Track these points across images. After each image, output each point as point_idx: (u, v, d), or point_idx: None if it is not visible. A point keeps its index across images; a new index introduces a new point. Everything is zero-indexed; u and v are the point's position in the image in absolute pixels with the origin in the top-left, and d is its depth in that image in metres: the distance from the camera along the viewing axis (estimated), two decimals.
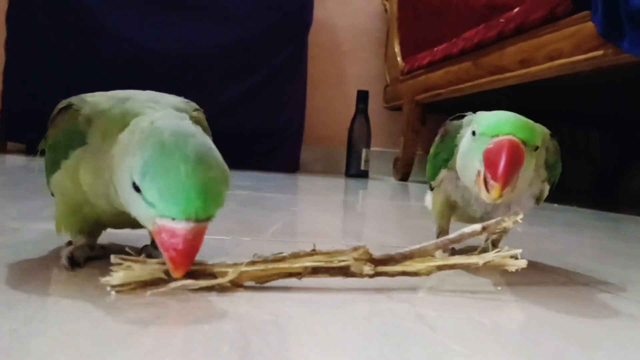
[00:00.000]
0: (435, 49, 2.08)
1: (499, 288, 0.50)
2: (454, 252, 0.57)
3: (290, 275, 0.42)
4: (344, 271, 0.43)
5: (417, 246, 0.45)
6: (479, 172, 0.49)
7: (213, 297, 0.39)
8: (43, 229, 0.59)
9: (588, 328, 0.40)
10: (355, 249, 0.43)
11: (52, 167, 0.46)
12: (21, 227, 0.61)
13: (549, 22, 1.42)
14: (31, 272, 0.43)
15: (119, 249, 0.53)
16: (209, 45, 2.22)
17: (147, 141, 0.35)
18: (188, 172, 0.34)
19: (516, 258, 0.46)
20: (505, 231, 0.59)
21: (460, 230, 0.46)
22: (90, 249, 0.48)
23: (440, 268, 0.45)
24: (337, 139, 2.59)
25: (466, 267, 0.47)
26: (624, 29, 1.14)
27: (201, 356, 0.28)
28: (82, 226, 0.48)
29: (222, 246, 0.58)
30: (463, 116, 0.59)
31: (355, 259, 0.43)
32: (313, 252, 0.43)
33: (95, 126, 0.43)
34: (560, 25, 1.38)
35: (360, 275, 0.43)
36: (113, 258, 0.38)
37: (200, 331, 0.32)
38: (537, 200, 0.59)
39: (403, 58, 2.43)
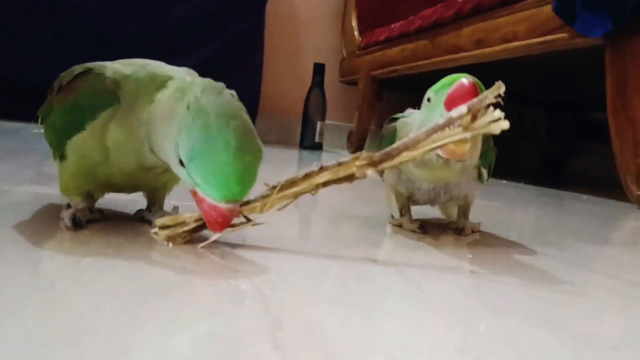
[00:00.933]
0: (393, 25, 2.11)
1: (470, 256, 0.54)
2: (424, 231, 0.61)
3: (305, 193, 0.47)
4: (350, 178, 0.46)
5: (409, 138, 0.47)
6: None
7: (220, 257, 0.42)
8: (32, 192, 0.61)
9: (555, 291, 0.44)
10: (356, 157, 0.47)
11: (70, 130, 0.47)
12: (11, 190, 0.62)
13: (505, 4, 1.47)
14: (41, 232, 0.45)
15: (115, 214, 0.55)
16: (166, 15, 2.20)
17: (194, 123, 0.39)
18: (229, 160, 0.39)
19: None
20: (470, 202, 0.64)
21: (447, 114, 0.46)
22: (90, 211, 0.50)
23: (433, 149, 0.46)
24: (293, 111, 2.61)
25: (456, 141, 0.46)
26: (576, 11, 1.20)
27: (230, 307, 0.31)
28: (89, 189, 0.50)
29: None
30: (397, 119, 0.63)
31: (358, 166, 0.46)
32: (321, 170, 0.47)
33: (126, 87, 0.46)
34: (516, 8, 1.44)
35: (365, 177, 0.46)
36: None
37: (221, 287, 0.35)
38: (482, 180, 0.62)
39: (360, 33, 2.46)
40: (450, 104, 0.49)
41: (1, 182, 0.67)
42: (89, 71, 0.47)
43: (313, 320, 0.31)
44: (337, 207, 0.77)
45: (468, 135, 0.45)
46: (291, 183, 0.47)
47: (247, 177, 0.40)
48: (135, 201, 0.58)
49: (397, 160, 0.46)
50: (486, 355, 0.28)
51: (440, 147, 0.46)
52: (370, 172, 0.46)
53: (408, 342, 0.29)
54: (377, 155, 0.47)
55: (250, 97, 2.35)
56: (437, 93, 0.52)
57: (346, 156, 0.47)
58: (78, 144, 0.47)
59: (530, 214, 1.02)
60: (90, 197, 0.51)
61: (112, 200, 0.57)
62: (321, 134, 2.47)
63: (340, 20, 2.69)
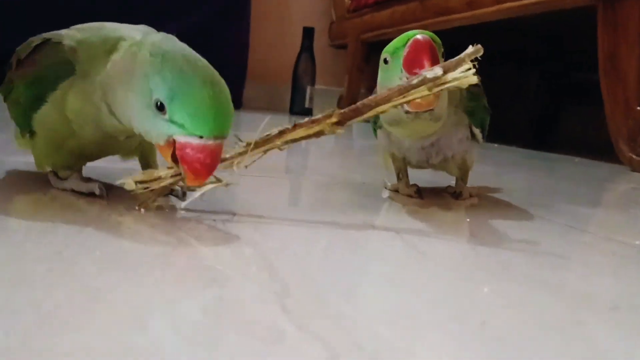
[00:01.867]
0: None
1: (468, 220, 0.55)
2: (420, 196, 0.61)
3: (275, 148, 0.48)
4: (319, 134, 0.48)
5: (379, 94, 0.48)
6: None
7: (221, 225, 0.42)
8: (26, 161, 0.60)
9: (552, 253, 0.45)
10: (328, 114, 0.48)
11: (33, 104, 0.47)
12: (4, 160, 0.61)
13: None
14: (39, 202, 0.45)
15: (108, 185, 0.55)
16: None
17: (164, 65, 0.39)
18: (210, 95, 0.39)
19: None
20: (468, 166, 0.64)
21: (421, 73, 0.47)
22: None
23: (400, 103, 0.47)
24: (282, 76, 2.59)
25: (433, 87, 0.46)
26: None
27: (237, 274, 0.31)
28: (65, 161, 0.50)
29: None
30: None
31: (329, 124, 0.48)
32: (294, 127, 0.48)
33: (80, 54, 0.45)
34: None
35: (334, 133, 0.48)
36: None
37: (225, 254, 0.35)
38: (476, 140, 0.62)
39: None
40: (409, 64, 0.49)
41: None
42: (46, 42, 0.47)
43: (319, 286, 0.31)
44: (330, 174, 0.77)
45: (437, 90, 0.46)
46: (265, 140, 0.47)
47: (228, 112, 0.40)
48: (130, 169, 0.58)
49: (365, 116, 0.48)
50: (491, 319, 0.29)
51: (407, 102, 0.47)
52: (340, 130, 0.48)
53: (413, 306, 0.30)
54: (346, 111, 0.48)
55: (238, 63, 2.33)
56: (393, 54, 0.52)
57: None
58: (43, 117, 0.47)
59: (523, 177, 1.03)
60: (73, 168, 0.50)
61: (102, 170, 0.57)
62: (311, 99, 2.45)
63: None
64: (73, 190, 0.48)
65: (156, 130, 0.41)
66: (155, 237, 0.38)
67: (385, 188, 0.66)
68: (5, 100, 0.52)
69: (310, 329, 0.25)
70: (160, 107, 0.39)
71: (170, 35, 0.44)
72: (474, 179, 0.70)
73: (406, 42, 0.50)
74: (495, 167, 1.10)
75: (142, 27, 0.48)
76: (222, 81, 0.41)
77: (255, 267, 0.33)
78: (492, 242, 0.47)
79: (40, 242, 0.34)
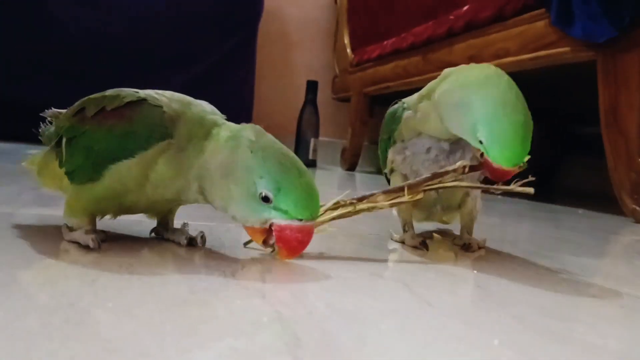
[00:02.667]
0: (385, 42, 2.14)
1: (475, 271, 0.55)
2: (426, 247, 0.62)
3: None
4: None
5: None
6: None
7: (231, 276, 0.43)
8: (35, 214, 0.61)
9: (560, 305, 0.45)
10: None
11: (116, 155, 0.48)
12: (14, 212, 0.62)
13: (498, 21, 1.49)
14: (51, 254, 0.45)
15: (116, 235, 0.56)
16: (159, 30, 2.20)
17: (266, 162, 0.46)
18: (307, 183, 0.47)
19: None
20: (474, 216, 0.65)
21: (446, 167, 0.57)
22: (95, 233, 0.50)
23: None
24: (286, 128, 2.62)
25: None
26: (575, 20, 1.21)
27: (248, 325, 0.32)
28: (106, 211, 0.52)
29: (214, 232, 0.61)
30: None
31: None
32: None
33: (180, 127, 0.49)
34: (508, 24, 1.46)
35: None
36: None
37: (236, 305, 0.36)
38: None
39: (352, 50, 2.48)
40: (496, 175, 0.55)
41: (3, 204, 0.68)
42: (142, 101, 0.49)
43: (329, 336, 0.31)
44: (337, 224, 0.78)
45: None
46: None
47: (318, 196, 0.48)
48: (138, 222, 0.59)
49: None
50: None
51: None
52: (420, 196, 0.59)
53: (424, 358, 0.30)
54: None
55: (243, 114, 2.35)
56: (488, 145, 0.53)
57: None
58: (122, 169, 0.48)
59: (527, 228, 1.03)
60: (94, 220, 0.51)
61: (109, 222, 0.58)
62: (315, 150, 2.48)
63: (332, 38, 2.72)
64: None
65: (256, 216, 0.47)
66: (167, 287, 0.39)
67: (392, 239, 0.66)
68: (61, 143, 0.52)
69: None
70: (266, 199, 0.46)
71: (257, 127, 0.50)
72: (478, 230, 0.70)
73: (511, 155, 0.53)
74: (499, 218, 1.10)
75: (212, 108, 0.53)
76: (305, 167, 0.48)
77: (266, 318, 0.34)
78: (499, 293, 0.47)
79: (55, 293, 0.35)
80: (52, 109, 0.58)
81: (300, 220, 0.46)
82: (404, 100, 0.65)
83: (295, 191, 0.46)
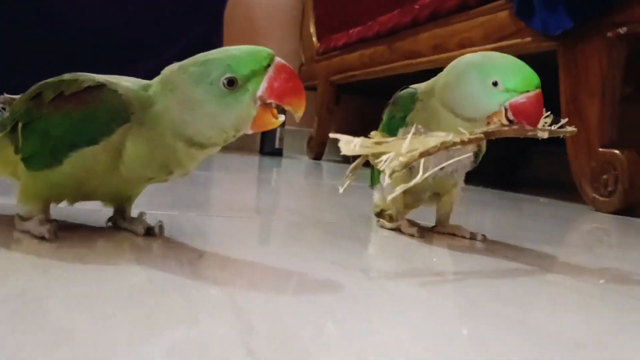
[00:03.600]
0: (351, 31, 2.13)
1: (435, 259, 0.55)
2: (422, 236, 0.64)
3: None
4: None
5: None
6: (495, 114, 0.56)
7: (188, 266, 0.42)
8: None
9: (517, 292, 0.45)
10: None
11: (77, 142, 0.47)
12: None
13: (462, 10, 1.50)
14: (4, 244, 0.44)
15: (72, 225, 0.54)
16: (124, 17, 2.17)
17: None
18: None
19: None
20: (453, 202, 0.67)
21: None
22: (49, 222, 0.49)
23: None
24: None
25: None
26: (535, 12, 1.22)
27: (203, 315, 0.31)
28: (64, 197, 0.51)
29: (175, 221, 0.60)
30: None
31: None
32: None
33: (133, 104, 0.47)
34: (471, 14, 1.47)
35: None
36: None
37: (192, 294, 0.35)
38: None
39: (318, 38, 2.48)
40: (524, 116, 0.55)
41: None
42: (101, 85, 0.47)
43: (285, 325, 0.31)
44: (301, 213, 0.78)
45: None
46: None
47: None
48: (95, 211, 0.57)
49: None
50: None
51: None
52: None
53: (381, 348, 0.30)
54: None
55: None
56: (506, 86, 0.55)
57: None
58: (86, 156, 0.47)
59: (490, 217, 1.04)
60: (48, 207, 0.50)
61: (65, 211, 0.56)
62: (281, 139, 2.47)
63: (298, 26, 2.70)
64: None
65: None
66: (122, 277, 0.38)
67: (382, 227, 0.68)
68: (17, 128, 0.50)
69: None
70: (231, 83, 0.44)
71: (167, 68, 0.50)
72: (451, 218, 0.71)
73: (524, 89, 0.55)
74: (464, 207, 1.11)
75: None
76: None
77: (222, 308, 0.33)
78: (457, 280, 0.47)
79: (3, 284, 0.34)
80: (4, 94, 0.56)
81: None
82: (414, 87, 0.66)
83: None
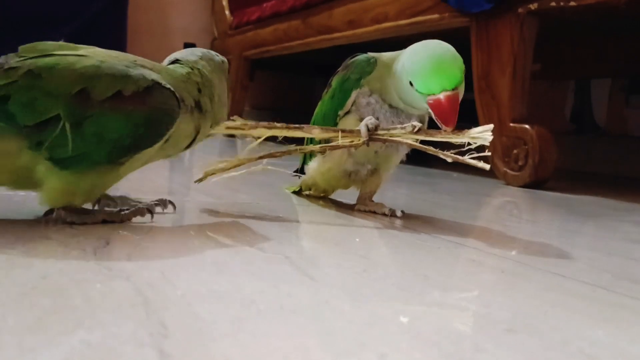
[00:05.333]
0: (265, 4, 2.08)
1: (357, 240, 0.53)
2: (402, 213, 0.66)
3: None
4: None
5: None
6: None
7: (91, 255, 0.38)
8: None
9: (442, 273, 0.44)
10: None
11: (139, 144, 0.47)
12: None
13: None
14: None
15: None
16: None
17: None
18: None
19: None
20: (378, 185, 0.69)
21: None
22: None
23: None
24: None
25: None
26: None
27: (107, 314, 0.28)
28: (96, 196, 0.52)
29: None
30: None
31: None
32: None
33: (184, 96, 0.51)
34: None
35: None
36: None
37: (94, 290, 0.32)
38: None
39: (231, 12, 2.41)
40: (442, 117, 0.56)
41: None
42: (156, 85, 0.48)
43: (201, 322, 0.28)
44: (215, 194, 0.74)
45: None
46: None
47: None
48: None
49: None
50: (389, 350, 0.27)
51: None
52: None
53: (306, 340, 0.27)
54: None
55: None
56: (420, 89, 0.57)
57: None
58: (144, 155, 0.49)
59: (405, 193, 1.04)
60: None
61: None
62: None
63: None
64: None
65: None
66: (12, 271, 0.34)
67: (358, 210, 0.69)
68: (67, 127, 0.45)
69: None
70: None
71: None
72: (351, 196, 0.70)
73: (433, 85, 0.55)
74: None
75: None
76: None
77: (129, 304, 0.30)
78: (382, 263, 0.46)
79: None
80: None
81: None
82: (372, 55, 0.65)
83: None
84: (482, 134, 0.56)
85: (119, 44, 2.27)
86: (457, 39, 1.34)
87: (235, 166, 0.62)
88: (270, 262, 0.42)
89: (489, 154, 0.57)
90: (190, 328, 0.27)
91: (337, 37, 1.67)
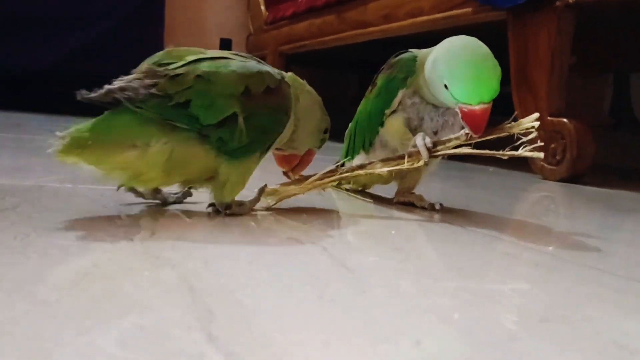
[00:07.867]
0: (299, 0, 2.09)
1: (393, 232, 0.54)
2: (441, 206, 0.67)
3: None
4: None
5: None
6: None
7: (139, 245, 0.40)
8: (89, 189, 0.58)
9: (477, 266, 0.45)
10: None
11: (277, 130, 0.56)
12: (74, 188, 0.59)
13: None
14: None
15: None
16: None
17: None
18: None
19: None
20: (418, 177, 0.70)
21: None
22: None
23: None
24: None
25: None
26: None
27: (156, 299, 0.29)
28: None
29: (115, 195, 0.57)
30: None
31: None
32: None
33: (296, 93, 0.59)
34: None
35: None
36: None
37: (143, 277, 0.33)
38: None
39: (267, 7, 2.42)
40: (472, 125, 0.56)
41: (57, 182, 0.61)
42: (283, 79, 0.56)
43: (245, 308, 0.29)
44: (253, 187, 0.76)
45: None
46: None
47: None
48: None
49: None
50: (425, 337, 0.28)
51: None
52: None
53: (344, 327, 0.28)
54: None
55: None
56: (454, 94, 0.56)
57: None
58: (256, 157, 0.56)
59: (439, 188, 1.04)
60: None
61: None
62: None
63: None
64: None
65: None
66: (65, 261, 0.36)
67: (397, 203, 0.70)
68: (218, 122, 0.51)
69: (240, 356, 0.23)
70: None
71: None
72: (392, 190, 0.70)
73: (467, 95, 0.54)
74: None
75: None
76: None
77: (176, 290, 0.31)
78: (417, 255, 0.47)
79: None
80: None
81: None
82: (415, 52, 0.65)
83: None
84: (530, 124, 0.56)
85: (156, 41, 2.30)
86: (491, 33, 1.34)
87: (308, 190, 0.62)
88: (308, 253, 0.43)
89: (542, 143, 0.56)
90: (234, 313, 0.29)
91: (372, 31, 1.67)
